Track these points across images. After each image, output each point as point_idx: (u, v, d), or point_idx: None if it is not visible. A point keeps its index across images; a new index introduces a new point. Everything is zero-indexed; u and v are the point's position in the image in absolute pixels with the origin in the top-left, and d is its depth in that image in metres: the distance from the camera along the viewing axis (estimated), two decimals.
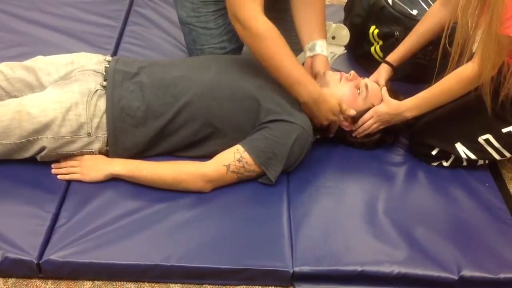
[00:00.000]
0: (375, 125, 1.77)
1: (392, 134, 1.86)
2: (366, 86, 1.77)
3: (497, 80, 1.60)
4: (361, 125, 1.78)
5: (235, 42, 2.02)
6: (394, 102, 1.74)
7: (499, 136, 1.74)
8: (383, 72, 1.91)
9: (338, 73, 1.79)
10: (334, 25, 2.04)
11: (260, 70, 1.72)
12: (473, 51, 1.61)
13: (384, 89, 1.79)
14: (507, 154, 1.78)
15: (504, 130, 1.73)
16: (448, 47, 1.63)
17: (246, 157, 1.63)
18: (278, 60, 1.64)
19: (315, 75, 1.82)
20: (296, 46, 1.80)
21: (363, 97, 1.76)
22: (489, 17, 1.45)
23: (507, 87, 1.59)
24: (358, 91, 1.76)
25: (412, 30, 1.88)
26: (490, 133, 1.75)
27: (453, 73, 1.63)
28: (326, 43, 1.87)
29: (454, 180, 1.80)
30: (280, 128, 1.65)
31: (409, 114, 1.73)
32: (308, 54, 1.85)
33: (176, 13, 2.04)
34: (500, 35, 1.46)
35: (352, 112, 1.74)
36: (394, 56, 1.91)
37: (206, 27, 1.97)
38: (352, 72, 1.78)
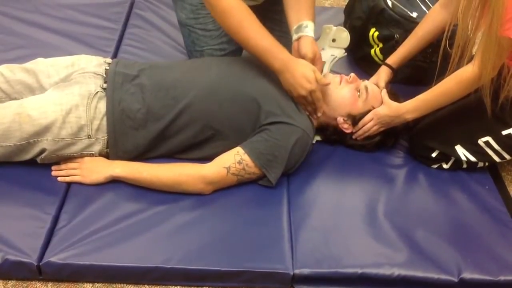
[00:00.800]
0: (375, 127, 1.77)
1: (392, 136, 1.86)
2: (366, 88, 1.77)
3: (497, 82, 1.60)
4: (361, 127, 1.78)
5: (234, 44, 2.02)
6: (394, 104, 1.74)
7: (499, 138, 1.74)
8: (383, 74, 1.91)
9: (338, 75, 1.80)
10: (334, 27, 2.04)
11: (260, 72, 1.72)
12: (473, 53, 1.61)
13: (384, 91, 1.79)
14: (507, 156, 1.78)
15: (504, 132, 1.73)
16: (448, 49, 1.63)
17: (246, 159, 1.63)
18: (244, 33, 1.65)
19: (302, 58, 1.74)
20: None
21: (363, 100, 1.76)
22: (489, 19, 1.45)
23: (507, 89, 1.59)
24: (358, 93, 1.76)
25: (412, 33, 1.89)
26: (490, 135, 1.75)
27: (453, 75, 1.63)
28: (314, 25, 1.79)
29: (454, 182, 1.80)
30: (280, 130, 1.65)
31: (409, 116, 1.74)
32: (294, 37, 1.78)
33: (176, 15, 2.04)
34: (500, 37, 1.46)
35: (325, 81, 1.69)
36: (394, 58, 1.92)
37: (206, 28, 1.97)
38: (352, 74, 1.78)
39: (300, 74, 1.65)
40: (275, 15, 1.96)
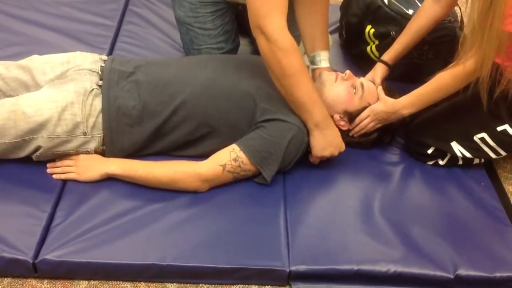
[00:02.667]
0: (372, 124, 1.77)
1: (389, 133, 1.86)
2: (362, 85, 1.77)
3: (493, 79, 1.60)
4: (358, 124, 1.78)
5: (232, 43, 2.02)
6: (390, 100, 1.74)
7: (494, 135, 1.75)
8: (378, 71, 1.91)
9: (334, 73, 1.80)
10: None
11: (256, 69, 1.72)
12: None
13: (380, 87, 1.79)
14: (502, 153, 1.79)
15: (499, 129, 1.74)
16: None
17: (242, 156, 1.62)
18: (300, 77, 1.59)
19: None
20: None
21: (359, 96, 1.76)
22: (491, 13, 1.46)
23: (503, 84, 1.59)
24: (354, 90, 1.76)
25: (406, 28, 1.88)
26: (485, 132, 1.75)
27: (449, 69, 1.63)
28: (328, 53, 1.90)
29: (450, 179, 1.81)
30: (276, 127, 1.65)
31: (405, 112, 1.73)
32: (311, 67, 1.89)
33: (173, 12, 2.04)
34: (501, 31, 1.47)
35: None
36: (389, 54, 1.91)
37: (204, 27, 1.97)
38: (348, 71, 1.78)
39: (335, 135, 1.70)
40: None
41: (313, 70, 1.89)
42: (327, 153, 1.70)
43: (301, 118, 1.66)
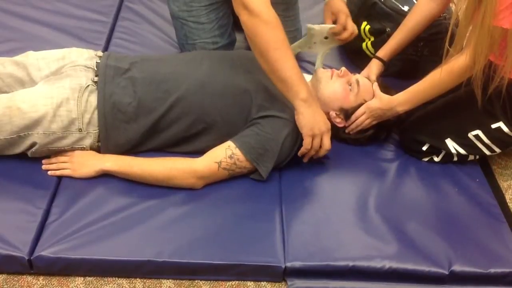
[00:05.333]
0: (367, 121, 1.78)
1: (384, 129, 1.86)
2: (357, 82, 1.77)
3: (487, 75, 1.61)
4: (354, 121, 1.78)
5: (227, 38, 2.02)
6: (386, 97, 1.75)
7: (488, 132, 1.75)
8: (374, 67, 1.91)
9: (329, 70, 1.80)
10: (317, 27, 1.95)
11: (252, 66, 1.71)
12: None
13: (376, 84, 1.79)
14: (497, 150, 1.80)
15: (494, 126, 1.74)
16: (448, 48, 1.62)
17: (238, 153, 1.62)
18: (284, 51, 1.56)
19: (335, 15, 1.87)
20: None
21: (354, 93, 1.76)
22: (483, 9, 1.46)
23: (497, 80, 1.60)
24: (350, 87, 1.76)
25: (401, 24, 1.89)
26: (479, 129, 1.76)
27: (444, 66, 1.63)
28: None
29: (445, 175, 1.81)
30: (271, 124, 1.65)
31: (401, 109, 1.74)
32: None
33: (168, 7, 2.03)
34: (493, 27, 1.47)
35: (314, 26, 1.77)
36: (385, 51, 1.92)
37: (198, 21, 1.96)
38: (343, 68, 1.78)
39: (323, 114, 1.65)
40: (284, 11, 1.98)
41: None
42: (317, 130, 1.63)
43: (288, 97, 1.61)
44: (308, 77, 1.82)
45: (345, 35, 1.89)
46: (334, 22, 1.88)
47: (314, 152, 1.69)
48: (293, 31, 2.09)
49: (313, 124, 1.63)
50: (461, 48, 1.60)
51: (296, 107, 1.62)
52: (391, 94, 1.76)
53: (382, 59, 1.91)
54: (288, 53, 1.58)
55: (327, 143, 1.67)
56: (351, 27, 1.87)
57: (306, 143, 1.66)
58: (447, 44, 1.60)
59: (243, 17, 1.55)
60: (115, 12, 2.38)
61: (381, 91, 1.76)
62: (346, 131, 1.81)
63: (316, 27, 1.91)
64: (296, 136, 1.68)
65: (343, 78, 1.76)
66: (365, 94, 1.77)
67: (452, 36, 1.59)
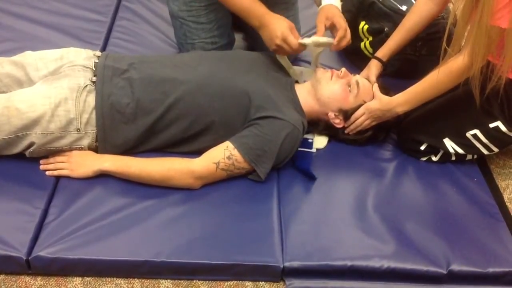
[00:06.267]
0: (367, 122, 1.78)
1: (383, 130, 1.86)
2: (357, 83, 1.77)
3: (485, 75, 1.61)
4: (353, 122, 1.78)
5: (226, 37, 2.02)
6: (385, 98, 1.75)
7: (486, 131, 1.75)
8: (373, 68, 1.91)
9: (329, 70, 1.79)
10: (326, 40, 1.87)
11: (251, 66, 1.72)
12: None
13: (376, 85, 1.79)
14: (495, 149, 1.80)
15: (492, 125, 1.74)
16: (446, 47, 1.62)
17: (236, 154, 1.62)
18: None
19: (330, 20, 1.80)
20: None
21: (354, 95, 1.76)
22: (480, 9, 1.46)
23: (494, 80, 1.60)
24: (349, 88, 1.76)
25: (400, 25, 1.89)
26: (477, 128, 1.76)
27: (443, 66, 1.63)
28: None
29: (443, 175, 1.81)
30: (270, 125, 1.65)
31: (400, 110, 1.74)
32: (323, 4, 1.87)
33: (167, 6, 2.03)
34: (490, 26, 1.47)
35: (304, 41, 1.75)
36: (383, 51, 1.92)
37: (198, 21, 1.96)
38: (343, 69, 1.78)
39: (274, 27, 1.72)
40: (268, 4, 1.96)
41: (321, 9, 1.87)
42: (277, 41, 1.71)
43: (251, 23, 1.76)
44: (305, 70, 1.83)
45: (343, 43, 1.82)
46: (329, 28, 1.83)
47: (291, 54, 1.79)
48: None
49: (270, 38, 1.73)
50: (458, 48, 1.60)
51: (257, 29, 1.76)
52: (391, 96, 1.76)
53: (381, 60, 1.91)
54: None
55: (290, 43, 1.72)
56: (349, 34, 1.82)
57: (280, 53, 1.79)
58: (444, 43, 1.60)
59: None
60: (113, 11, 2.38)
61: (381, 92, 1.76)
62: (345, 132, 1.81)
63: (311, 42, 1.81)
64: (295, 137, 1.68)
65: (343, 79, 1.76)
66: (365, 96, 1.77)
67: (449, 36, 1.59)
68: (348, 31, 1.80)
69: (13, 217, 1.53)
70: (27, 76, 1.72)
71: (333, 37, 1.81)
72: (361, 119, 1.77)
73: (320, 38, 1.79)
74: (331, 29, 1.82)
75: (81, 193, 1.60)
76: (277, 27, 1.71)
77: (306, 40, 1.77)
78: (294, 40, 1.72)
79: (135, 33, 2.27)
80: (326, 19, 1.80)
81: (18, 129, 1.57)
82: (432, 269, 1.52)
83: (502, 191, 1.85)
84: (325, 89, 1.75)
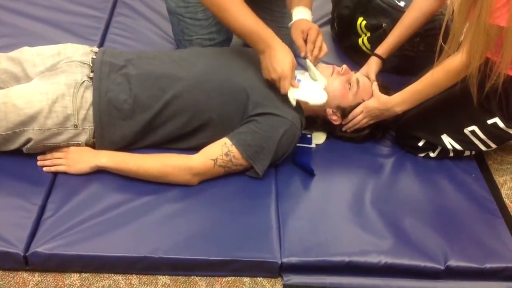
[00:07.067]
0: (364, 120, 1.78)
1: (381, 129, 1.86)
2: (358, 81, 1.76)
3: (483, 73, 1.61)
4: (351, 120, 1.78)
5: (224, 34, 2.01)
6: (384, 97, 1.74)
7: (484, 128, 1.76)
8: (373, 65, 1.91)
9: (331, 66, 1.79)
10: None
11: (249, 62, 1.71)
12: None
13: (375, 84, 1.79)
14: (493, 145, 1.80)
15: (490, 122, 1.74)
16: (442, 44, 1.62)
17: (234, 151, 1.62)
18: (231, 13, 1.62)
19: (306, 33, 1.79)
20: (286, 39, 1.78)
21: (353, 92, 1.76)
22: (478, 7, 1.46)
23: (493, 78, 1.60)
24: (349, 86, 1.76)
25: (399, 21, 1.89)
26: (475, 125, 1.76)
27: (441, 65, 1.63)
28: (307, 10, 1.85)
29: (441, 171, 1.81)
30: (268, 121, 1.65)
31: (398, 109, 1.74)
32: (290, 23, 1.84)
33: (165, 3, 2.03)
34: (489, 25, 1.47)
35: (295, 97, 1.65)
36: (383, 48, 1.91)
37: (195, 17, 1.96)
38: (344, 66, 1.77)
39: (278, 59, 1.63)
40: (267, 4, 1.96)
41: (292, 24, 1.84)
42: (273, 74, 1.63)
43: (254, 46, 1.66)
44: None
45: (321, 54, 1.81)
46: (305, 40, 1.81)
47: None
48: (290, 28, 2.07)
49: (268, 69, 1.64)
50: (455, 45, 1.60)
51: (259, 53, 1.66)
52: (390, 95, 1.75)
53: (380, 57, 1.91)
54: (239, 9, 1.61)
55: (283, 86, 1.64)
56: (324, 45, 1.81)
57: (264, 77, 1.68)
58: (440, 40, 1.60)
59: None
60: (111, 7, 2.37)
61: (380, 91, 1.76)
62: (343, 129, 1.81)
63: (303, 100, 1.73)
64: (293, 134, 1.68)
65: (343, 76, 1.76)
66: (364, 94, 1.77)
67: (446, 32, 1.59)
68: (320, 40, 1.80)
69: (10, 213, 1.53)
70: (24, 72, 1.71)
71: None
72: (359, 118, 1.77)
73: (311, 94, 1.71)
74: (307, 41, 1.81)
75: (78, 189, 1.60)
76: (280, 61, 1.62)
77: (297, 96, 1.67)
78: (288, 85, 1.64)
79: (133, 29, 2.26)
80: (302, 32, 1.80)
81: (15, 125, 1.57)
82: (430, 264, 1.52)
83: (499, 187, 1.85)
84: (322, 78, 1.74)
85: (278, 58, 1.62)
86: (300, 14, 1.83)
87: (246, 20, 1.63)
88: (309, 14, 1.85)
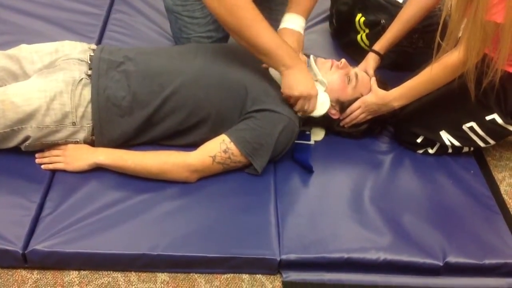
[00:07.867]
0: (362, 115, 1.78)
1: (379, 124, 1.86)
2: (356, 75, 1.76)
3: (481, 69, 1.61)
4: (349, 115, 1.78)
5: (221, 32, 2.01)
6: (381, 92, 1.74)
7: (483, 124, 1.76)
8: (371, 61, 1.91)
9: (329, 60, 1.79)
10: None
11: (247, 58, 1.71)
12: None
13: (374, 79, 1.79)
14: (491, 141, 1.80)
15: (488, 118, 1.74)
16: (440, 41, 1.62)
17: (232, 148, 1.62)
18: (259, 25, 1.57)
19: None
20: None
21: (352, 87, 1.75)
22: (475, 4, 1.46)
23: (490, 75, 1.60)
24: (348, 80, 1.75)
25: (397, 17, 1.89)
26: (474, 121, 1.76)
27: (439, 61, 1.63)
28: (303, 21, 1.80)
29: (440, 167, 1.81)
30: (266, 118, 1.65)
31: (396, 104, 1.74)
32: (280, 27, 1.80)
33: (163, 1, 2.02)
34: (485, 22, 1.47)
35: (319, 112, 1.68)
36: (381, 44, 1.91)
37: (193, 16, 1.95)
38: (343, 60, 1.77)
39: (306, 77, 1.64)
40: (266, 2, 1.95)
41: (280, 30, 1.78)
42: (295, 92, 1.63)
43: (273, 66, 1.64)
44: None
45: None
46: None
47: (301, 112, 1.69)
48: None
49: (292, 86, 1.63)
50: (453, 41, 1.60)
51: (280, 73, 1.64)
52: (388, 90, 1.75)
53: (378, 52, 1.91)
54: (261, 26, 1.58)
55: (308, 106, 1.66)
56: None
57: (285, 98, 1.67)
58: (438, 37, 1.59)
59: (210, 3, 1.57)
60: (109, 4, 2.37)
61: (378, 86, 1.76)
62: (341, 124, 1.81)
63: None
64: (292, 130, 1.68)
65: (342, 70, 1.75)
66: (363, 89, 1.77)
67: (444, 29, 1.59)
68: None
69: (9, 211, 1.52)
70: (22, 69, 1.71)
71: None
72: (356, 112, 1.77)
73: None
74: None
75: (77, 186, 1.60)
76: (303, 81, 1.63)
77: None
78: (315, 104, 1.67)
79: (131, 26, 2.26)
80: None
81: (13, 122, 1.56)
82: (429, 261, 1.52)
83: (498, 183, 1.85)
84: (323, 78, 1.74)
85: (301, 77, 1.63)
86: (288, 23, 1.78)
87: (276, 36, 1.62)
88: (301, 22, 1.79)
